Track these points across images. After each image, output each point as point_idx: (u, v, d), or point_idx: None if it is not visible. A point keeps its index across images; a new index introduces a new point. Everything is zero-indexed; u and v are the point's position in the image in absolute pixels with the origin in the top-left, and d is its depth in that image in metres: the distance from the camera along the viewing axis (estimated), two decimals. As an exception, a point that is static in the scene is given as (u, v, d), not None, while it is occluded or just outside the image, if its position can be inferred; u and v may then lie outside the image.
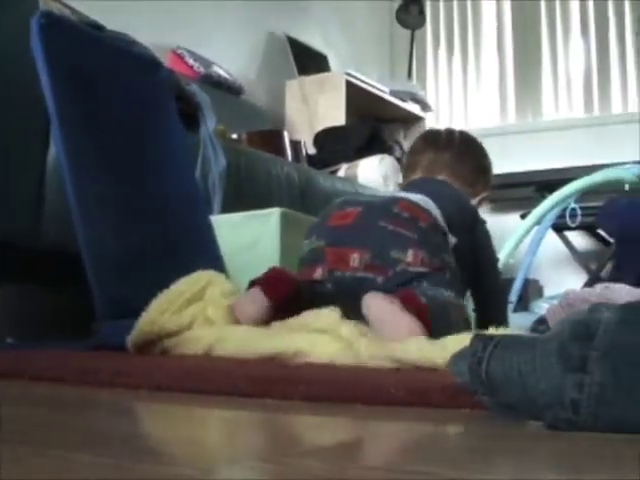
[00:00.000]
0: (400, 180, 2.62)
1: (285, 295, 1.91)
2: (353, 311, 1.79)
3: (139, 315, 1.85)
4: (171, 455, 0.83)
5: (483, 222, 2.25)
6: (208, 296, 1.96)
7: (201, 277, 2.02)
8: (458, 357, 1.02)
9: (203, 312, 1.93)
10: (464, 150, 2.49)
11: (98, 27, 3.06)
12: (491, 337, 1.00)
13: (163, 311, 1.87)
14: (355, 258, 1.93)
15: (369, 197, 2.18)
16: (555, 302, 2.36)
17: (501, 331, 1.64)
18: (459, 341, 1.35)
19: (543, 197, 4.06)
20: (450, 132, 2.56)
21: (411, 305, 1.73)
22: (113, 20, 3.21)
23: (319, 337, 1.67)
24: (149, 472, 0.67)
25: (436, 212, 2.05)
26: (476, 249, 2.18)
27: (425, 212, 2.03)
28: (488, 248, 2.27)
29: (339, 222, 2.03)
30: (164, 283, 1.96)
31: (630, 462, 0.77)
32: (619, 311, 0.95)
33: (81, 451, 0.78)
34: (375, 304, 1.76)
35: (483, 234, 2.24)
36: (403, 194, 2.16)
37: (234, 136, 3.84)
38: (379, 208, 2.03)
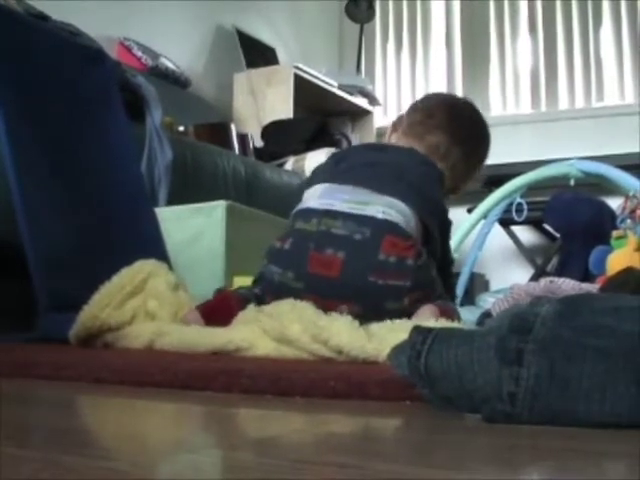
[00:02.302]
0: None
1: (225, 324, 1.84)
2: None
3: (80, 308, 1.83)
4: (106, 449, 0.82)
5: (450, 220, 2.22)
6: (150, 288, 1.94)
7: (142, 268, 1.97)
8: (398, 350, 1.02)
9: (144, 306, 1.91)
10: (474, 151, 2.41)
11: (43, 17, 3.03)
12: (430, 330, 0.99)
13: (104, 306, 1.84)
14: (344, 309, 1.76)
15: (349, 227, 1.91)
16: (501, 296, 2.37)
17: (449, 324, 1.64)
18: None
19: (490, 191, 4.07)
20: (476, 122, 2.45)
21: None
22: (60, 11, 3.18)
23: (260, 332, 1.66)
24: (80, 466, 0.67)
25: (413, 225, 1.96)
26: (443, 246, 2.16)
27: (407, 240, 1.91)
28: (448, 244, 2.24)
29: (321, 271, 1.88)
30: (106, 275, 1.94)
31: (566, 454, 0.77)
32: (558, 304, 0.96)
33: (9, 445, 0.76)
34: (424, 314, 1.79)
35: (449, 228, 2.22)
36: (381, 207, 1.95)
37: (181, 128, 3.82)
38: (363, 256, 1.88)
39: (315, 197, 2.02)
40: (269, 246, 1.99)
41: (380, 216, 1.93)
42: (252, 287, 2.02)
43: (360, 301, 1.85)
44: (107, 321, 1.84)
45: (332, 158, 2.24)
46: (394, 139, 2.36)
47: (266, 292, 1.94)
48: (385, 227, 1.92)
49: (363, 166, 2.11)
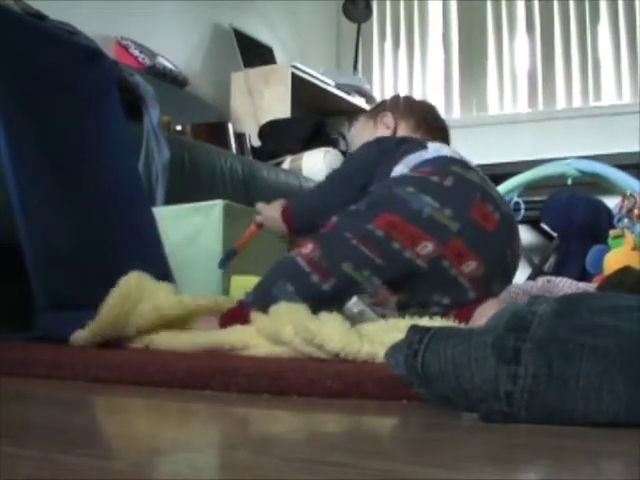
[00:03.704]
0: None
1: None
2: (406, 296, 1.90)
3: (78, 307, 1.83)
4: (104, 448, 0.82)
5: None
6: (139, 312, 1.86)
7: (130, 292, 1.86)
8: (395, 349, 1.02)
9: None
10: None
11: (40, 17, 3.03)
12: (427, 329, 0.99)
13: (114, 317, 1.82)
14: (471, 265, 1.87)
15: (495, 193, 2.03)
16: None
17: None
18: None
19: (487, 191, 4.07)
20: None
21: None
22: (57, 10, 3.17)
23: (254, 332, 1.66)
24: (78, 466, 0.67)
25: None
26: None
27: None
28: None
29: (481, 220, 1.90)
30: (104, 275, 1.94)
31: (563, 453, 0.77)
32: (555, 303, 0.96)
33: (8, 444, 0.76)
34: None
35: None
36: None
37: (178, 128, 3.82)
38: (509, 228, 2.00)
39: (451, 153, 2.13)
40: (406, 175, 2.01)
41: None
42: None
43: (488, 265, 1.91)
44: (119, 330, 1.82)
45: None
46: (401, 133, 2.40)
47: (402, 219, 1.87)
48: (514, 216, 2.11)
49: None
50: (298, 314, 1.64)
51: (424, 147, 2.13)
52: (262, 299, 1.86)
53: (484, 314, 1.77)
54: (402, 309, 1.95)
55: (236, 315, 1.88)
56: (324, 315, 1.60)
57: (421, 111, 2.51)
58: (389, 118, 2.42)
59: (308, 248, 1.90)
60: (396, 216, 1.87)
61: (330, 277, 1.86)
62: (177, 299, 1.88)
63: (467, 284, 1.89)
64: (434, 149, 2.12)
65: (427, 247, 1.85)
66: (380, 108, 2.50)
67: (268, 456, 0.73)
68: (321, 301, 1.80)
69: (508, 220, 1.99)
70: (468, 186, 1.95)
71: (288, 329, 1.56)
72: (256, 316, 1.71)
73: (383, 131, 2.41)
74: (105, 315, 1.80)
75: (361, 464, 0.70)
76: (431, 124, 2.48)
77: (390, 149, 2.15)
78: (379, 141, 2.23)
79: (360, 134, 2.47)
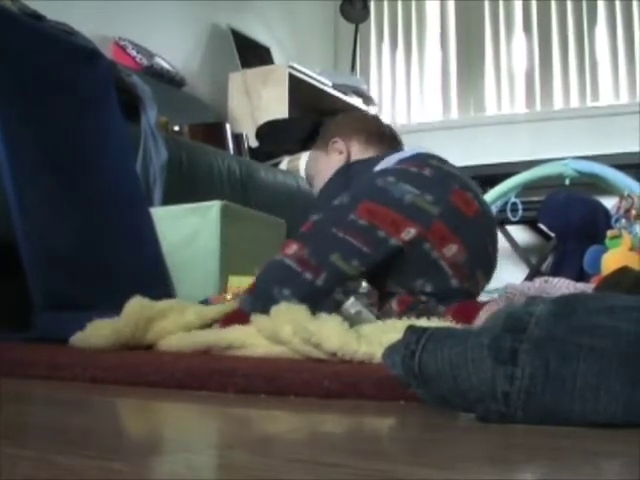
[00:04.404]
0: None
1: None
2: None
3: (76, 307, 1.83)
4: (102, 448, 0.82)
5: None
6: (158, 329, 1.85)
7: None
8: (392, 349, 1.02)
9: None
10: None
11: (38, 17, 3.02)
12: (424, 329, 0.99)
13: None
14: (452, 248, 1.92)
15: (476, 188, 2.10)
16: (495, 296, 2.37)
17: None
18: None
19: (485, 191, 4.08)
20: None
21: None
22: (55, 10, 3.17)
23: (254, 332, 1.66)
24: (76, 466, 0.67)
25: None
26: None
27: None
28: None
29: (461, 205, 1.98)
30: (102, 275, 1.94)
31: (560, 453, 0.77)
32: (552, 304, 0.96)
33: (6, 444, 0.76)
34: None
35: None
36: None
37: (176, 128, 3.82)
38: (488, 220, 2.07)
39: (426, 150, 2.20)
40: (386, 169, 2.06)
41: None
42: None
43: (470, 251, 1.96)
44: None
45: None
46: (356, 152, 2.41)
47: (383, 207, 1.92)
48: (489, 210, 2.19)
49: None
50: (297, 314, 1.63)
51: (401, 149, 2.24)
52: (265, 304, 1.80)
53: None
54: (386, 298, 1.98)
55: (238, 320, 1.85)
56: (323, 316, 1.60)
57: (366, 124, 2.51)
58: (339, 143, 2.42)
59: (293, 248, 1.91)
60: (377, 204, 1.92)
61: (321, 271, 1.86)
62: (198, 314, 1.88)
63: (449, 269, 1.93)
64: (411, 149, 2.22)
65: (410, 232, 1.90)
66: (327, 136, 2.48)
67: (266, 456, 0.73)
68: (317, 297, 1.82)
69: (487, 214, 2.07)
70: (446, 175, 2.03)
71: (287, 329, 1.56)
72: (256, 317, 1.71)
73: (337, 157, 2.41)
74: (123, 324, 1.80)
75: (359, 464, 0.70)
76: (381, 135, 2.46)
77: (361, 168, 2.20)
78: (348, 168, 2.27)
79: (318, 170, 2.46)
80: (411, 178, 1.97)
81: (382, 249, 1.89)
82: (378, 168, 2.10)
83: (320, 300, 1.80)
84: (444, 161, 2.12)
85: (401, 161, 2.10)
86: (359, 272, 1.90)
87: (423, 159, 2.09)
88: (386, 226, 1.89)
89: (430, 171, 2.01)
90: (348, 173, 2.21)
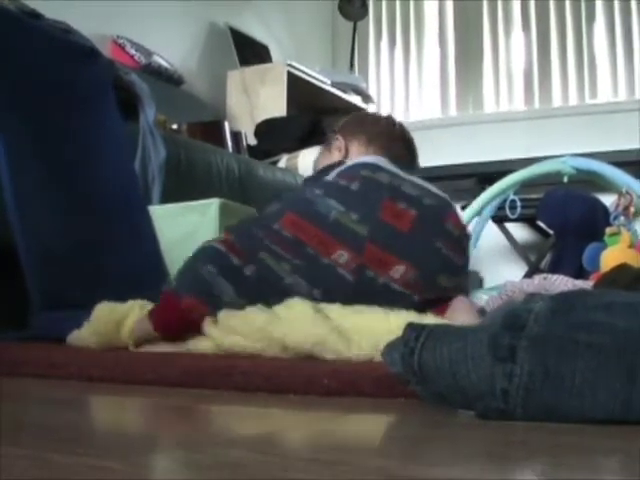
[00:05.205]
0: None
1: (175, 330, 1.80)
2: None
3: (74, 306, 1.83)
4: (99, 447, 0.81)
5: None
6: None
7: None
8: (391, 347, 1.02)
9: None
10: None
11: (36, 15, 3.02)
12: (423, 327, 0.99)
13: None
14: (399, 270, 1.77)
15: (417, 191, 1.92)
16: (495, 293, 2.37)
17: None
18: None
19: (483, 189, 4.07)
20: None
21: None
22: (53, 9, 3.17)
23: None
24: (72, 464, 0.66)
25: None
26: None
27: (463, 223, 2.01)
28: None
29: (392, 221, 1.82)
30: (100, 274, 1.94)
31: (559, 450, 0.77)
32: (551, 301, 0.96)
33: (1, 443, 0.76)
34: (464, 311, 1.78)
35: None
36: (440, 193, 2.01)
37: (174, 126, 3.81)
38: (433, 220, 1.87)
39: (370, 158, 2.06)
40: (317, 178, 2.00)
41: (441, 194, 1.99)
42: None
43: (419, 266, 1.80)
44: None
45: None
46: (354, 150, 2.32)
47: (307, 222, 1.82)
48: (448, 203, 1.98)
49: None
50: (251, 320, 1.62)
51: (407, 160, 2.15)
52: (193, 283, 1.81)
53: (456, 311, 1.78)
54: None
55: (168, 305, 1.82)
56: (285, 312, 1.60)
57: (375, 125, 2.41)
58: (339, 141, 2.36)
59: (220, 237, 1.91)
60: (301, 218, 1.83)
61: (249, 263, 1.80)
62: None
63: (405, 289, 1.78)
64: (353, 160, 2.09)
65: (343, 256, 1.78)
66: (333, 133, 2.44)
67: (265, 454, 0.73)
68: (248, 288, 1.76)
69: (430, 214, 1.88)
70: (375, 187, 1.89)
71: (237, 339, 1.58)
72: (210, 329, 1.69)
73: (336, 155, 2.34)
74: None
75: (358, 462, 0.70)
76: (388, 139, 2.33)
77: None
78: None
79: (318, 165, 2.41)
80: (337, 193, 1.87)
81: (316, 266, 1.78)
82: (329, 177, 2.01)
83: (253, 293, 1.74)
84: (378, 168, 1.96)
85: (339, 173, 1.99)
86: (292, 277, 1.78)
87: (356, 170, 1.96)
88: (314, 244, 1.79)
89: (358, 184, 1.89)
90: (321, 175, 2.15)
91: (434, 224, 1.87)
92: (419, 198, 1.89)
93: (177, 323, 1.78)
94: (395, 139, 2.34)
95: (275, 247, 1.80)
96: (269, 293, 1.74)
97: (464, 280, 1.95)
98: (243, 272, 1.79)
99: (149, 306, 1.87)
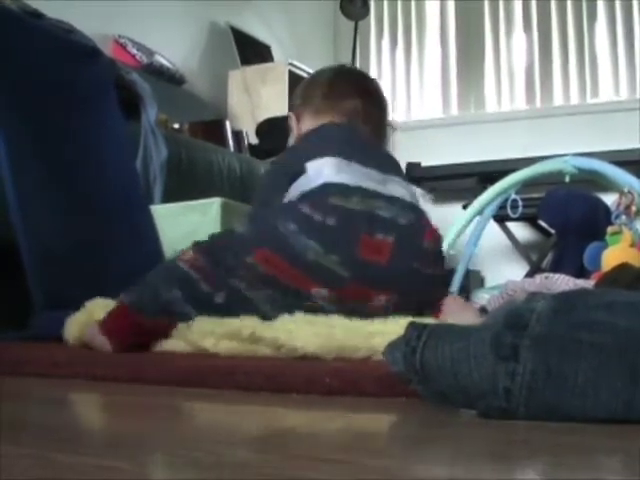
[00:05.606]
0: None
1: (130, 344, 1.69)
2: None
3: (76, 306, 1.83)
4: (102, 446, 0.82)
5: None
6: None
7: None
8: (392, 346, 1.02)
9: None
10: (384, 102, 2.21)
11: (38, 15, 3.02)
12: (425, 326, 0.99)
13: None
14: (381, 299, 1.72)
15: (391, 210, 1.78)
16: (496, 292, 2.37)
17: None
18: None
19: (485, 188, 4.07)
20: (369, 77, 2.30)
21: None
22: (55, 9, 3.17)
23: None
24: (75, 464, 0.66)
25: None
26: None
27: (438, 234, 1.86)
28: None
29: (371, 256, 1.71)
30: (102, 274, 1.94)
31: (561, 449, 0.77)
32: (553, 300, 0.96)
33: (4, 442, 0.76)
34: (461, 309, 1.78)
35: None
36: (398, 187, 1.88)
37: (176, 126, 3.82)
38: (410, 243, 1.76)
39: (332, 172, 1.83)
40: (291, 208, 1.77)
41: (408, 198, 1.86)
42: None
43: (401, 290, 1.74)
44: None
45: (312, 136, 2.04)
46: (308, 124, 2.11)
47: (283, 260, 1.69)
48: (419, 211, 1.87)
49: (348, 142, 1.98)
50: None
51: (303, 171, 1.87)
52: (152, 304, 1.70)
53: (452, 311, 1.76)
54: None
55: (120, 317, 1.72)
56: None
57: (318, 88, 2.16)
58: (291, 119, 2.18)
59: (188, 255, 1.74)
60: (276, 255, 1.70)
61: (220, 290, 1.70)
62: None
63: (388, 311, 1.69)
64: (314, 172, 1.85)
65: (321, 292, 1.70)
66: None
67: (267, 454, 0.73)
68: (216, 312, 1.67)
69: (407, 234, 1.78)
70: (350, 219, 1.73)
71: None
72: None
73: (295, 134, 2.17)
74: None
75: (360, 461, 0.70)
76: (335, 97, 2.10)
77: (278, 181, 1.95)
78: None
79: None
80: (314, 230, 1.70)
81: (293, 297, 1.69)
82: (289, 195, 1.86)
83: (220, 315, 1.65)
84: (347, 189, 1.79)
85: (306, 197, 1.80)
86: (267, 306, 1.70)
87: (324, 196, 1.77)
88: (290, 281, 1.69)
89: (333, 220, 1.71)
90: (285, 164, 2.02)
91: (411, 246, 1.78)
92: (394, 220, 1.77)
93: (133, 340, 1.69)
94: (344, 95, 2.11)
95: (249, 277, 1.70)
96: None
97: (445, 288, 1.91)
98: (213, 299, 1.71)
99: None
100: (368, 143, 2.05)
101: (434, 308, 1.78)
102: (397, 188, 1.88)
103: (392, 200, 1.82)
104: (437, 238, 1.85)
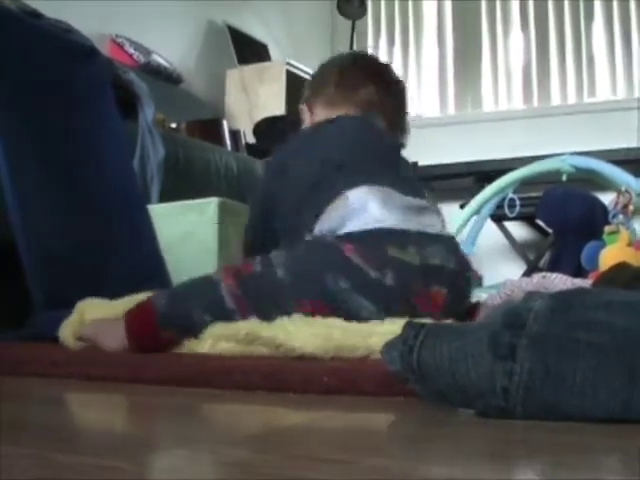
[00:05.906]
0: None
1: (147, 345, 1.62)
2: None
3: (73, 306, 1.83)
4: (100, 446, 0.82)
5: None
6: None
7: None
8: (390, 345, 1.02)
9: None
10: (403, 88, 2.21)
11: (36, 15, 3.02)
12: (422, 325, 1.00)
13: None
14: None
15: (439, 256, 1.67)
16: (494, 292, 2.37)
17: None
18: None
19: (482, 187, 4.08)
20: (385, 64, 2.22)
21: None
22: (53, 8, 3.17)
23: None
24: (74, 464, 0.67)
25: None
26: None
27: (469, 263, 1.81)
28: None
29: (427, 310, 1.62)
30: (100, 273, 1.94)
31: (559, 449, 0.77)
32: (550, 299, 0.96)
33: (2, 443, 0.76)
34: None
35: None
36: (434, 217, 1.80)
37: (173, 125, 3.82)
38: (458, 288, 1.72)
39: (377, 206, 1.72)
40: (338, 255, 1.63)
41: (441, 227, 1.79)
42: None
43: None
44: None
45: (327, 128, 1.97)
46: (322, 116, 2.05)
47: (333, 313, 1.58)
48: (455, 245, 1.80)
49: (372, 159, 1.90)
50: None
51: (340, 194, 1.75)
52: (180, 321, 1.64)
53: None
54: None
55: (145, 325, 1.65)
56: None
57: (330, 77, 2.09)
58: (303, 111, 2.14)
59: (230, 280, 1.65)
60: (326, 308, 1.59)
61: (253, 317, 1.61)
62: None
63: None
64: (358, 203, 1.72)
65: None
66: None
67: (268, 453, 0.74)
68: None
69: (456, 282, 1.72)
70: (409, 276, 1.64)
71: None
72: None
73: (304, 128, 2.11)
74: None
75: (358, 461, 0.70)
76: (348, 87, 2.04)
77: (299, 190, 1.84)
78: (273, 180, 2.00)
79: None
80: (369, 290, 1.61)
81: None
82: (321, 225, 1.74)
83: None
84: (404, 238, 1.68)
85: (351, 237, 1.67)
86: None
87: (381, 244, 1.66)
88: None
89: (392, 277, 1.62)
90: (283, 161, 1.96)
91: (460, 291, 1.74)
92: (444, 267, 1.69)
93: (150, 347, 1.62)
94: (357, 85, 2.05)
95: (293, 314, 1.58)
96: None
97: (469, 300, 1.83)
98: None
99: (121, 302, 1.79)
100: (384, 143, 2.01)
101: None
102: (432, 217, 1.80)
103: (436, 239, 1.73)
104: (469, 268, 1.79)
